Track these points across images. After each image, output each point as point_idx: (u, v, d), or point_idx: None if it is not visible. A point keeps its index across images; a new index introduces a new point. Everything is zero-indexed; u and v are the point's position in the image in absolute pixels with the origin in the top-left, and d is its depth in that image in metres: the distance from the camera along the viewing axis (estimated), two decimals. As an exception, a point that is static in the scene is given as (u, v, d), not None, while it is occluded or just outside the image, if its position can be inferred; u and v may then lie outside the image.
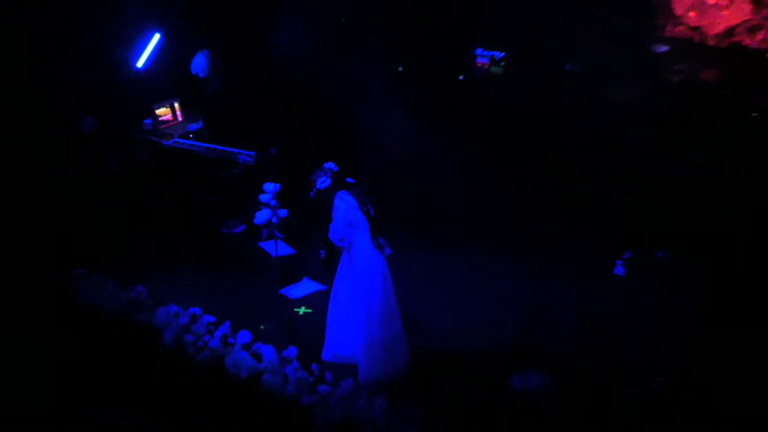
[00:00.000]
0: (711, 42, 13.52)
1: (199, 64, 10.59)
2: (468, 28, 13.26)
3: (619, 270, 9.81)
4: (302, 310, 9.50)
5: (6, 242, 9.90)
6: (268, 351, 8.69)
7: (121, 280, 9.75)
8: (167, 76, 11.33)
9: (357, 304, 8.39)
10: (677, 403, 8.00)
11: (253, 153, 10.14)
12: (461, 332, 9.14)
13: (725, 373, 8.09)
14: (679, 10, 13.72)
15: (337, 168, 8.32)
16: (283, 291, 9.64)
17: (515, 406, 8.11)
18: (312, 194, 8.40)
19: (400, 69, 13.47)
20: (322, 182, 8.33)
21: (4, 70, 10.35)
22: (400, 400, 8.08)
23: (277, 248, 9.30)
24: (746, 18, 13.22)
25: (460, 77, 13.10)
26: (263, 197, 9.20)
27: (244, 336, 8.91)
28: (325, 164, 8.34)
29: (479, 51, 13.00)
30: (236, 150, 10.25)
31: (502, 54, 12.83)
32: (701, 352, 8.41)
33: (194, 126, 10.78)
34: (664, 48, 13.07)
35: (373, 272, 8.34)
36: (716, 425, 7.68)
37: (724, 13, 13.38)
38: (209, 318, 9.21)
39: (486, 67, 12.94)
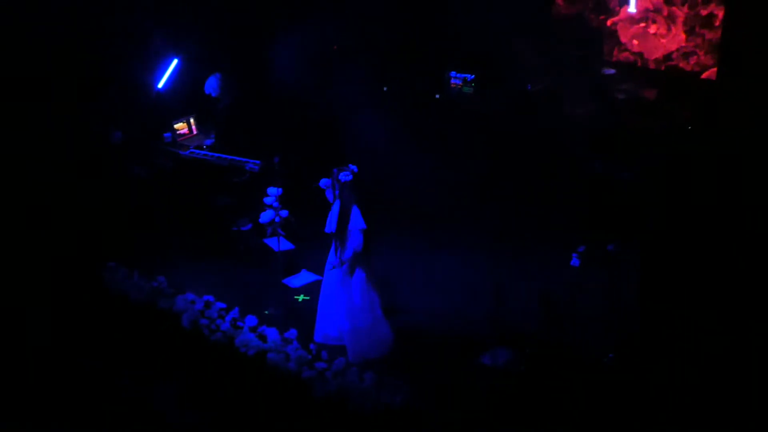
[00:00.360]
0: (651, 66, 13.55)
1: (212, 85, 10.53)
2: (443, 54, 13.26)
3: (575, 261, 9.82)
4: (301, 297, 9.46)
5: (50, 240, 9.81)
6: (272, 333, 8.65)
7: (145, 272, 9.68)
8: (184, 96, 11.27)
9: (342, 293, 8.34)
10: (624, 374, 8.01)
11: (258, 161, 10.09)
12: (438, 315, 9.10)
13: (665, 347, 8.11)
14: (623, 38, 13.74)
15: (357, 171, 8.16)
16: (285, 281, 9.61)
17: (485, 377, 8.11)
18: (330, 187, 8.23)
19: (385, 89, 13.44)
20: (346, 176, 8.08)
21: (55, 91, 10.33)
22: (387, 374, 8.07)
23: (280, 244, 9.26)
24: (681, 45, 13.26)
25: (437, 96, 13.08)
26: (267, 200, 9.17)
27: (251, 320, 8.86)
28: (350, 165, 8.19)
29: (453, 74, 12.98)
30: (244, 159, 10.20)
31: (473, 76, 12.81)
32: (643, 330, 8.41)
33: (208, 141, 10.71)
34: (611, 71, 13.10)
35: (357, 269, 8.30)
36: (656, 394, 7.70)
37: (663, 41, 13.41)
38: (221, 304, 9.14)
39: (459, 87, 12.93)
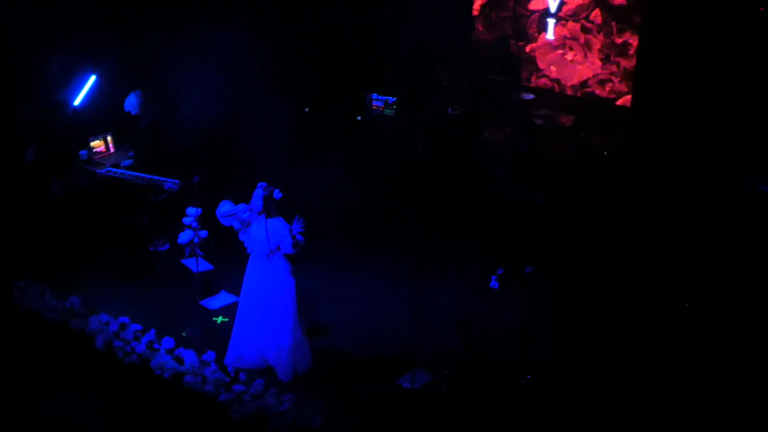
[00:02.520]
0: (568, 92, 13.88)
1: (131, 102, 10.37)
2: (365, 76, 13.34)
3: (494, 284, 9.94)
4: (220, 319, 9.34)
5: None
6: (189, 355, 8.51)
7: (58, 292, 9.45)
8: (101, 113, 11.08)
9: (273, 312, 8.26)
10: (541, 392, 8.13)
11: (177, 181, 9.97)
12: (358, 336, 9.10)
13: (579, 364, 8.26)
14: (542, 64, 14.05)
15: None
16: (203, 302, 9.49)
17: (404, 399, 8.13)
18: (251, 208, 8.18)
19: (306, 110, 13.45)
20: (278, 193, 8.08)
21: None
22: (306, 395, 8.03)
23: (198, 264, 9.16)
24: (597, 72, 13.61)
25: (359, 117, 13.14)
26: (186, 220, 9.05)
27: (168, 342, 8.71)
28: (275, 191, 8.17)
29: (374, 96, 13.06)
30: (162, 178, 10.07)
31: (394, 99, 12.91)
32: (559, 349, 8.56)
33: (126, 161, 10.53)
34: (530, 96, 13.37)
35: (288, 284, 8.26)
36: (572, 414, 7.83)
37: (579, 68, 13.76)
38: (137, 326, 8.98)
39: (380, 109, 13.01)
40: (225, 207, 8.18)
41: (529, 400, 8.09)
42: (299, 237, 8.11)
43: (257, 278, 8.24)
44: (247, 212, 8.14)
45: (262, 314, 8.26)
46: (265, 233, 8.10)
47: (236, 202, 8.21)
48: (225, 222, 8.22)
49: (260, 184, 8.12)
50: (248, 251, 8.23)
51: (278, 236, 8.09)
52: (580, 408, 7.83)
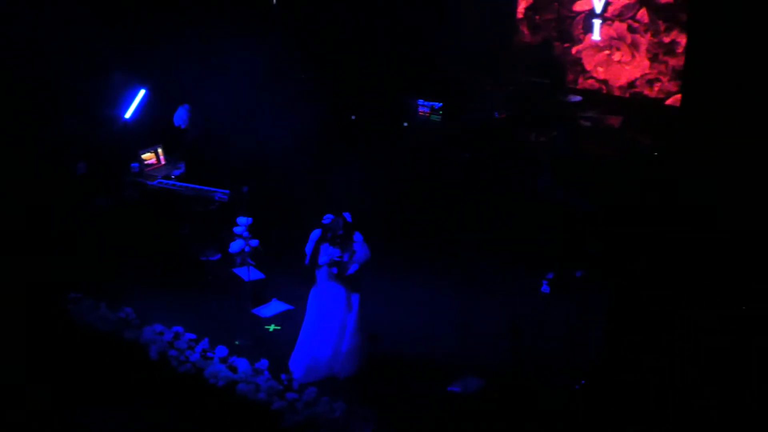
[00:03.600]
0: (616, 93, 13.75)
1: (180, 116, 10.52)
2: (411, 83, 13.38)
3: (545, 288, 9.89)
4: (272, 327, 9.42)
5: (14, 270, 9.72)
6: (242, 363, 8.59)
7: (112, 303, 9.61)
8: (152, 126, 11.26)
9: (340, 318, 8.35)
10: (593, 399, 8.07)
11: (227, 191, 10.08)
12: (409, 343, 9.09)
13: (633, 374, 8.18)
14: (588, 66, 13.95)
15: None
16: (255, 311, 9.57)
17: (456, 405, 8.13)
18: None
19: (353, 117, 13.52)
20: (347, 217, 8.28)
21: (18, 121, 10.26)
22: (357, 403, 8.06)
23: (249, 273, 9.25)
24: (645, 72, 13.48)
25: (405, 124, 13.18)
26: (237, 229, 9.16)
27: (222, 351, 8.80)
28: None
29: (420, 101, 13.09)
30: (212, 189, 10.19)
31: (440, 104, 12.93)
32: (610, 354, 8.48)
33: (177, 171, 10.68)
34: (576, 98, 13.27)
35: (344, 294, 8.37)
36: (624, 420, 7.77)
37: (627, 68, 13.63)
38: (190, 335, 9.09)
39: (427, 115, 13.04)
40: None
41: (581, 405, 8.03)
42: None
43: (323, 290, 8.34)
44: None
45: (322, 323, 8.33)
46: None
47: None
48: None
49: (327, 217, 8.23)
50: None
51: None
52: (631, 413, 7.75)
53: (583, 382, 8.19)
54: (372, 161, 12.26)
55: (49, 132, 10.59)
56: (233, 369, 8.54)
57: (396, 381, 8.45)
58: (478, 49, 13.64)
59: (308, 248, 8.31)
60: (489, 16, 14.00)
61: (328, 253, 8.23)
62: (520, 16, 14.36)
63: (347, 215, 8.24)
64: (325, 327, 8.40)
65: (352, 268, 8.31)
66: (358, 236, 8.29)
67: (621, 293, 8.85)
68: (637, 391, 7.94)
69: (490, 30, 13.93)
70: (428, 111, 13.10)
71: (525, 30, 14.35)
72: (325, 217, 8.23)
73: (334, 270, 8.25)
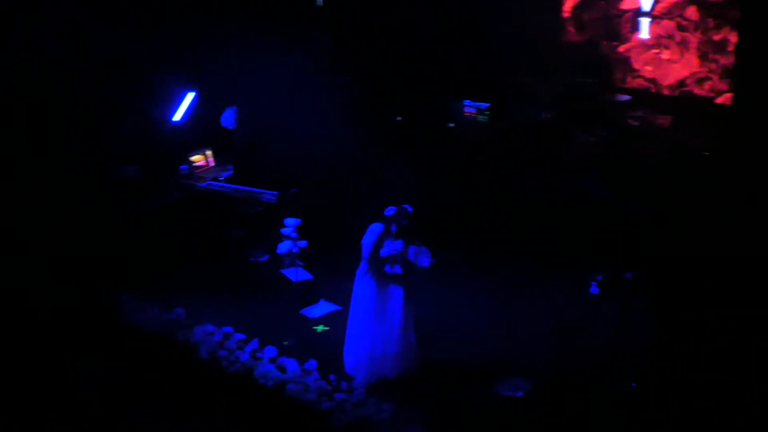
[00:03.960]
0: (665, 92, 13.60)
1: (229, 118, 10.63)
2: (456, 84, 13.36)
3: (594, 289, 9.81)
4: (320, 327, 9.48)
5: (68, 273, 9.90)
6: (291, 364, 8.66)
7: (162, 304, 9.73)
8: (200, 128, 11.39)
9: (390, 318, 8.36)
10: (644, 402, 7.99)
11: (275, 193, 10.16)
12: (456, 344, 9.10)
13: (682, 376, 8.10)
14: (636, 64, 13.81)
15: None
16: (303, 311, 9.64)
17: (502, 407, 8.11)
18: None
19: (398, 119, 13.54)
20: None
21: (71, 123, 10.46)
22: (405, 404, 8.07)
23: (298, 274, 9.31)
24: (695, 71, 13.32)
25: (451, 125, 13.16)
26: (285, 230, 9.24)
27: (271, 351, 8.87)
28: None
29: (467, 102, 13.06)
30: (261, 190, 10.27)
31: (487, 105, 12.89)
32: (660, 357, 8.40)
33: (225, 173, 10.80)
34: (625, 97, 13.16)
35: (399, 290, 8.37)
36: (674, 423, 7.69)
37: (676, 66, 13.48)
38: (240, 336, 9.18)
39: (473, 116, 13.01)
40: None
41: (631, 407, 7.96)
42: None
43: (369, 289, 8.36)
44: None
45: (372, 323, 8.36)
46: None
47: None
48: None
49: (389, 209, 8.24)
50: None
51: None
52: (680, 415, 7.67)
53: (633, 384, 8.12)
54: (418, 163, 12.25)
55: (103, 136, 10.74)
56: (282, 369, 8.61)
57: (444, 383, 8.45)
58: (524, 49, 13.57)
59: (367, 241, 8.24)
60: (535, 15, 13.92)
61: (390, 246, 8.17)
62: (566, 14, 14.27)
63: (408, 207, 8.20)
64: (375, 325, 8.41)
65: (422, 261, 8.20)
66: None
67: (671, 295, 8.75)
68: (687, 393, 7.85)
69: (537, 29, 13.85)
70: (474, 112, 13.07)
71: (571, 29, 14.26)
72: (387, 209, 8.21)
73: (397, 269, 8.17)
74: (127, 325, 9.52)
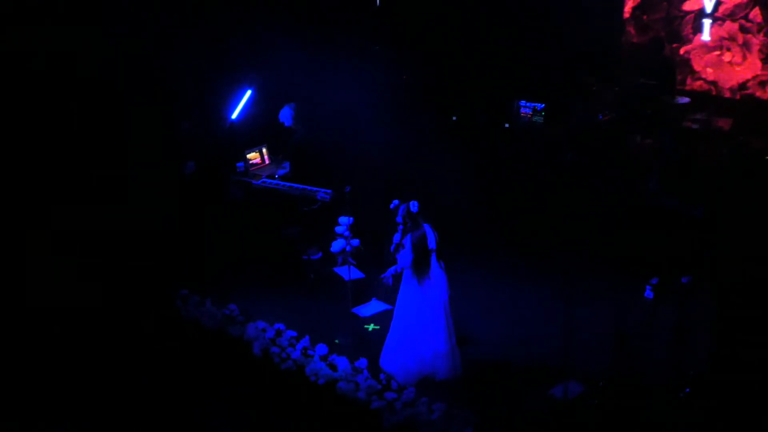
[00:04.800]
0: (726, 94, 13.37)
1: (286, 114, 10.70)
2: (513, 83, 13.29)
3: (649, 294, 9.69)
4: (371, 326, 9.51)
5: (126, 268, 10.07)
6: (342, 362, 8.70)
7: (217, 299, 9.85)
8: (257, 126, 11.49)
9: (435, 318, 8.36)
10: (700, 410, 7.87)
11: (329, 191, 10.21)
12: (508, 346, 9.06)
13: (738, 382, 7.95)
14: (697, 66, 13.60)
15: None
16: (355, 310, 9.67)
17: (555, 411, 8.05)
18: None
19: (454, 118, 13.51)
20: (414, 206, 8.25)
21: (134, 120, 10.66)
22: (456, 405, 8.06)
23: (350, 273, 9.34)
24: (757, 73, 13.07)
25: (507, 125, 13.09)
26: (338, 228, 9.26)
27: (322, 349, 8.93)
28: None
29: (522, 102, 12.98)
30: (315, 188, 10.33)
31: (543, 105, 12.79)
32: (718, 363, 8.27)
33: (281, 171, 10.89)
34: (685, 99, 12.95)
35: (441, 291, 8.38)
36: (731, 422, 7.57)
37: (738, 69, 13.24)
38: (292, 333, 9.24)
39: (529, 116, 12.92)
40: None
41: (687, 413, 7.85)
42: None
43: (413, 287, 8.36)
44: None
45: (417, 322, 8.36)
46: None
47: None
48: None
49: (393, 202, 8.25)
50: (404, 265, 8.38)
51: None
52: (738, 422, 7.54)
53: (687, 390, 8.00)
54: (473, 163, 12.22)
55: (166, 134, 10.92)
56: (333, 367, 8.65)
57: (496, 384, 8.43)
58: (583, 49, 13.44)
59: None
60: (595, 15, 13.78)
61: (394, 239, 8.27)
62: (627, 15, 14.11)
63: (414, 204, 8.22)
64: (413, 326, 8.41)
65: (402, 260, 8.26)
66: (427, 227, 8.28)
67: (728, 299, 8.60)
68: (744, 398, 7.72)
69: (596, 29, 13.71)
70: (530, 112, 12.99)
71: (632, 30, 14.09)
72: (393, 202, 8.31)
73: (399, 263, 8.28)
74: (184, 320, 9.65)
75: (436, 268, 8.35)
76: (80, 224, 10.14)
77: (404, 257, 8.30)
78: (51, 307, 9.40)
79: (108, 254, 10.16)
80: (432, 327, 8.35)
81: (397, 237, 8.35)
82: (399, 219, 8.28)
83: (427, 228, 8.30)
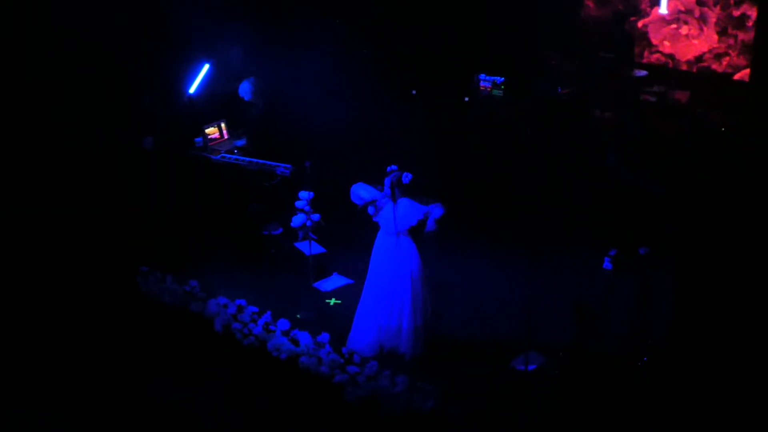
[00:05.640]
0: (683, 67, 13.50)
1: (245, 89, 10.61)
2: (472, 57, 13.28)
3: (607, 265, 9.81)
4: (333, 301, 9.51)
5: (84, 244, 9.96)
6: (304, 337, 8.70)
7: (177, 276, 9.78)
8: (215, 100, 11.38)
9: (399, 293, 8.38)
10: (656, 378, 8.00)
11: (289, 166, 10.16)
12: (470, 319, 9.13)
13: (699, 352, 8.08)
14: (654, 40, 13.70)
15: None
16: (316, 284, 9.67)
17: (517, 382, 8.13)
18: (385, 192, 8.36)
19: (413, 92, 13.48)
20: (407, 176, 8.29)
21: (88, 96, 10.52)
22: (419, 378, 8.11)
23: (311, 247, 9.33)
24: (713, 46, 13.20)
25: (466, 98, 13.10)
26: (299, 203, 9.22)
27: (283, 324, 8.91)
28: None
29: (482, 76, 12.99)
30: (275, 163, 10.27)
31: (502, 79, 12.82)
32: (676, 333, 8.39)
33: (238, 143, 10.82)
34: (642, 73, 13.06)
35: (413, 267, 8.39)
36: (688, 399, 7.69)
37: (694, 42, 13.36)
38: (253, 308, 9.21)
39: (488, 90, 12.94)
40: (361, 191, 8.32)
41: (644, 383, 7.97)
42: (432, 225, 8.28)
43: (384, 260, 8.36)
44: (381, 197, 8.27)
45: (387, 295, 8.38)
46: (393, 216, 8.22)
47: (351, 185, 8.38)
48: (359, 202, 8.38)
49: (390, 167, 8.24)
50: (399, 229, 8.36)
51: (407, 217, 8.24)
52: (694, 393, 7.68)
53: (645, 359, 8.12)
54: (433, 137, 12.21)
55: (125, 110, 10.79)
56: (295, 342, 8.65)
57: (459, 358, 8.49)
58: (542, 23, 13.47)
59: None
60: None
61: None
62: (585, -11, 14.16)
63: (407, 175, 8.28)
64: (379, 299, 8.44)
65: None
66: (406, 202, 8.31)
67: (687, 271, 8.73)
68: (702, 369, 7.85)
69: (556, 3, 13.74)
70: (490, 86, 13.00)
71: (590, 3, 14.15)
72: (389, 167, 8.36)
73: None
74: (145, 297, 9.58)
75: (409, 245, 8.34)
76: (36, 202, 9.99)
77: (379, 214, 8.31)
78: (6, 286, 9.27)
79: (65, 232, 10.02)
80: (398, 302, 8.37)
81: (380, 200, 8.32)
82: (387, 184, 8.25)
83: (413, 203, 8.28)
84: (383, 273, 8.40)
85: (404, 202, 8.26)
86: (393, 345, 8.50)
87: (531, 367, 8.19)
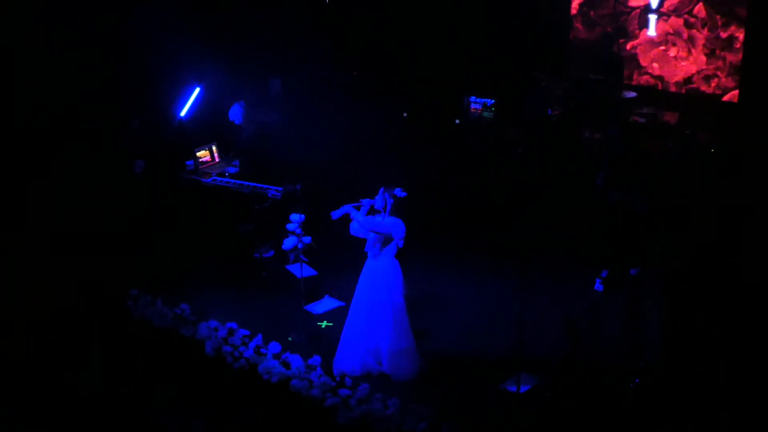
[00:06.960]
0: (672, 89, 13.59)
1: (236, 112, 10.65)
2: (463, 80, 13.36)
3: (598, 286, 9.81)
4: (324, 323, 9.50)
5: (76, 267, 9.95)
6: (295, 359, 8.68)
7: (168, 299, 9.76)
8: (206, 124, 11.41)
9: (384, 315, 8.36)
10: (649, 399, 8.00)
11: (281, 188, 10.17)
12: (461, 341, 9.11)
13: (689, 371, 8.10)
14: (643, 61, 13.80)
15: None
16: (308, 307, 9.64)
17: (508, 403, 8.11)
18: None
19: (405, 114, 13.54)
20: (401, 192, 8.32)
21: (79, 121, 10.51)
22: (411, 400, 8.08)
23: (302, 270, 9.32)
24: (702, 68, 13.30)
25: (457, 121, 13.16)
26: (290, 226, 9.22)
27: (275, 347, 8.89)
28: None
29: (472, 98, 13.06)
30: (266, 186, 10.28)
31: (493, 101, 12.88)
32: (667, 350, 8.40)
33: (231, 169, 10.83)
34: (632, 94, 13.15)
35: (397, 289, 8.39)
36: (680, 418, 7.70)
37: (683, 64, 13.47)
38: (244, 331, 9.19)
39: (479, 112, 13.00)
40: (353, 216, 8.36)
41: (637, 403, 7.97)
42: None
43: (369, 283, 8.36)
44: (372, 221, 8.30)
45: (372, 318, 8.37)
46: (378, 231, 8.24)
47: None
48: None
49: (382, 189, 8.28)
50: (365, 250, 8.37)
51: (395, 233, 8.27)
52: (688, 412, 7.68)
53: (637, 380, 8.12)
54: (424, 159, 12.26)
55: (115, 132, 10.81)
56: (286, 365, 8.62)
57: (450, 379, 8.47)
58: (532, 45, 13.58)
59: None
60: (543, 11, 13.93)
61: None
62: (574, 11, 14.28)
63: (399, 191, 8.31)
64: (366, 322, 8.42)
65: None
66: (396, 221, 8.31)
67: (677, 292, 8.76)
68: (693, 389, 7.86)
69: (545, 25, 13.86)
70: (480, 108, 13.07)
71: (579, 26, 14.26)
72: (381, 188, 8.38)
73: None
74: (135, 320, 9.55)
75: (394, 266, 8.35)
76: (29, 225, 9.98)
77: (358, 227, 8.31)
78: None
79: (57, 254, 10.02)
80: (385, 325, 8.36)
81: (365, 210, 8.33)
82: (380, 200, 8.26)
83: (397, 222, 8.29)
84: (366, 296, 8.39)
85: (393, 220, 8.28)
86: (379, 368, 8.48)
87: (522, 390, 8.17)
